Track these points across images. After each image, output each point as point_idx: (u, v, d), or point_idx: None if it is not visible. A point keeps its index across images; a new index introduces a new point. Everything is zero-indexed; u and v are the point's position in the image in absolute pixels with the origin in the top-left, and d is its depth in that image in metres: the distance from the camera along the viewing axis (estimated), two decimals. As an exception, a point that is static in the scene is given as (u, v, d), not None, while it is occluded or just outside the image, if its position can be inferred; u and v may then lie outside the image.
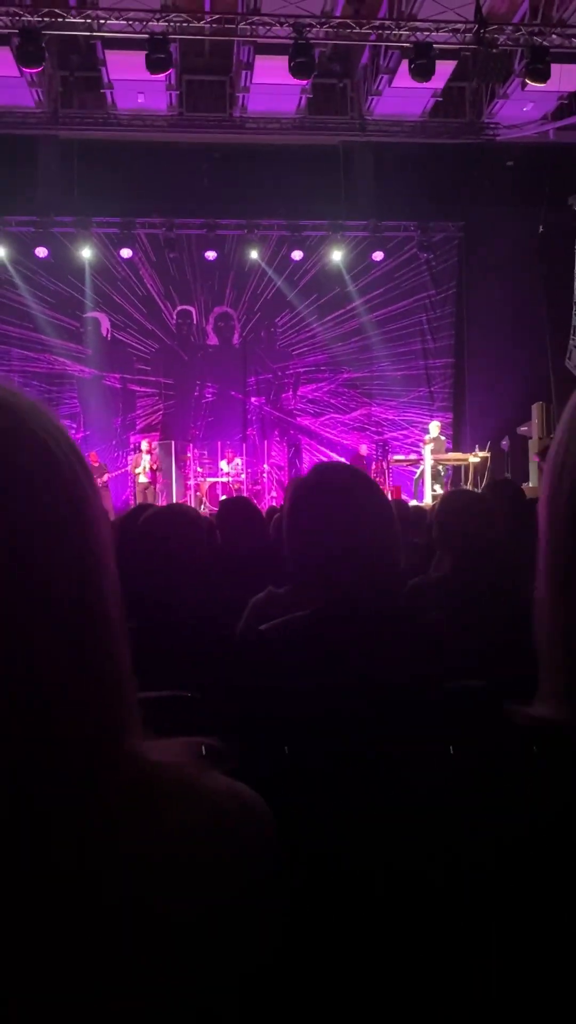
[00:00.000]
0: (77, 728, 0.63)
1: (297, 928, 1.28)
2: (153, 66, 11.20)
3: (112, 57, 12.30)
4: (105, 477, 13.78)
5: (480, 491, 5.05)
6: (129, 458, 14.44)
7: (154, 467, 13.95)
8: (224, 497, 9.80)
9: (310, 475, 1.84)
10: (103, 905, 0.63)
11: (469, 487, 13.33)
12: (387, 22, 11.85)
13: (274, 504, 8.15)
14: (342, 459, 15.04)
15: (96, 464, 14.01)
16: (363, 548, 1.70)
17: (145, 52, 11.27)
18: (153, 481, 14.03)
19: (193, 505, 14.30)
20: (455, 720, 1.55)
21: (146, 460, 13.90)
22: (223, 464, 14.87)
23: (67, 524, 0.66)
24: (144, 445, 14.21)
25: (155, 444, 14.61)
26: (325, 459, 15.41)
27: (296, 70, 11.31)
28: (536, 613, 0.73)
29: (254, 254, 15.49)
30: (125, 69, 12.29)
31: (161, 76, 12.57)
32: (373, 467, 15.26)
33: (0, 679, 0.60)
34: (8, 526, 0.62)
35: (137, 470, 13.83)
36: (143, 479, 13.84)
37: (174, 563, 2.36)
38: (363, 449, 15.70)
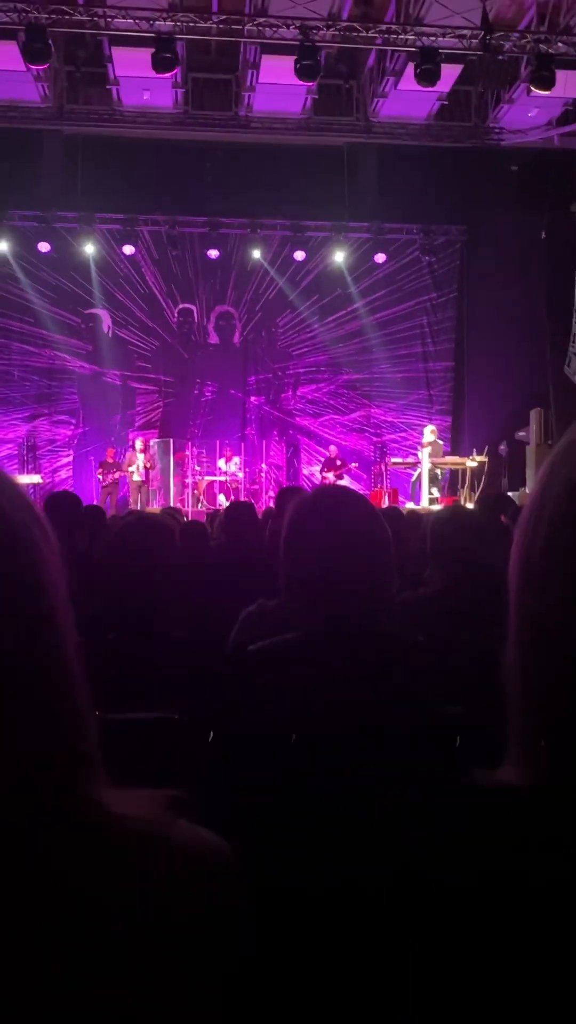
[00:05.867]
0: (33, 779, 0.65)
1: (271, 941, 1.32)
2: (159, 65, 11.19)
3: (119, 54, 12.29)
4: (117, 474, 13.83)
5: (473, 507, 5.09)
6: (125, 456, 14.44)
7: (147, 466, 13.95)
8: (231, 501, 9.78)
9: (309, 497, 1.87)
10: (66, 962, 0.63)
11: (465, 492, 13.37)
12: (393, 26, 11.83)
13: (271, 506, 8.19)
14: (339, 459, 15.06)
15: (111, 461, 14.11)
16: (356, 575, 1.73)
17: (152, 49, 11.25)
18: (146, 480, 14.03)
19: (190, 504, 14.33)
20: (427, 753, 1.58)
21: (140, 459, 13.89)
22: (221, 463, 14.88)
23: (22, 590, 0.66)
24: (138, 444, 14.18)
25: (150, 442, 14.61)
26: (323, 458, 15.46)
27: (302, 72, 11.30)
28: (505, 678, 0.73)
29: (256, 253, 15.49)
30: (131, 66, 12.27)
31: (167, 74, 12.57)
32: (352, 469, 15.16)
33: None
34: None
35: (131, 468, 13.83)
36: (136, 478, 13.85)
37: (149, 575, 2.38)
38: (332, 450, 15.40)
